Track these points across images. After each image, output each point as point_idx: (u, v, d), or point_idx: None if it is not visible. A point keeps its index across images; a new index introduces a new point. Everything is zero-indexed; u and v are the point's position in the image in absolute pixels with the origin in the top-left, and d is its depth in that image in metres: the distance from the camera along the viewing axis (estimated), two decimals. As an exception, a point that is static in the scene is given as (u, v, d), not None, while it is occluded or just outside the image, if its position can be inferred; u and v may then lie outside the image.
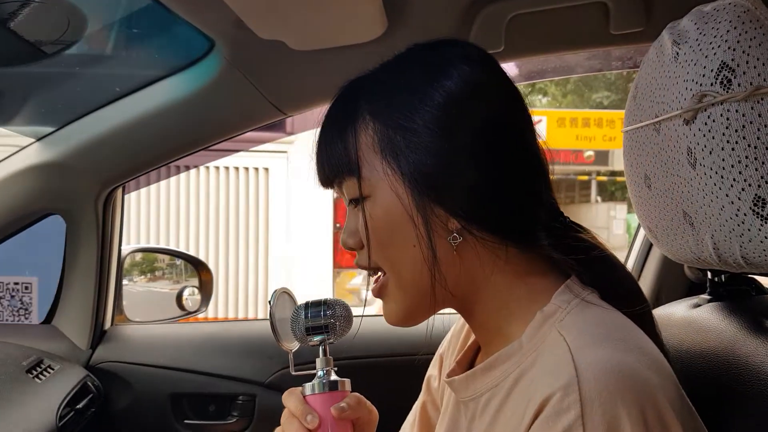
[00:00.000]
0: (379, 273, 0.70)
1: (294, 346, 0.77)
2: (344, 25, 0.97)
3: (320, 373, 0.72)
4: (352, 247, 0.70)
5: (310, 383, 0.72)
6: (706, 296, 0.86)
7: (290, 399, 0.71)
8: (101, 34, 1.10)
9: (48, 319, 1.47)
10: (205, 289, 1.69)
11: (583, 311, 0.62)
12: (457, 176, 0.64)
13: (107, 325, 1.49)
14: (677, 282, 1.30)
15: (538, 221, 0.67)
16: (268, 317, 0.76)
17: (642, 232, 1.47)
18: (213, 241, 5.40)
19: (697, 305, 0.85)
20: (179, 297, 1.70)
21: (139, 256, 1.87)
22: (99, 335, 1.46)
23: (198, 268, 1.72)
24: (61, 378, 1.27)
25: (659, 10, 1.02)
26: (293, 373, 0.76)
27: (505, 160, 0.65)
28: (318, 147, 0.71)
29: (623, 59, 1.36)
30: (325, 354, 0.73)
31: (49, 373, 1.26)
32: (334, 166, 0.68)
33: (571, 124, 10.91)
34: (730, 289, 0.83)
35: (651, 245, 1.42)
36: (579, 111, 12.00)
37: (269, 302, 0.76)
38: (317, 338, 0.73)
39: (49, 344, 1.37)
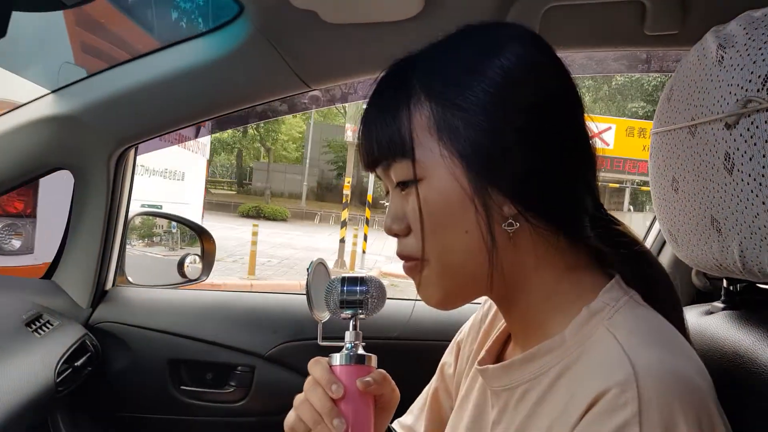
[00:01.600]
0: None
1: (325, 316, 0.77)
2: (381, 0, 0.95)
3: (349, 345, 0.72)
4: (397, 233, 0.68)
5: (338, 354, 0.72)
6: (719, 304, 0.86)
7: (317, 367, 0.71)
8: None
9: (48, 274, 1.46)
10: (208, 257, 1.68)
11: (632, 310, 0.62)
12: (515, 158, 0.62)
13: (109, 285, 1.48)
14: (684, 289, 1.30)
15: (586, 210, 0.66)
16: (305, 286, 0.76)
17: (652, 236, 1.47)
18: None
19: (710, 312, 0.85)
20: (181, 264, 1.69)
21: (138, 221, 1.86)
22: (100, 295, 1.45)
23: (201, 236, 1.71)
24: (60, 334, 1.27)
25: (696, 14, 1.01)
26: (320, 342, 0.76)
27: (561, 142, 0.64)
28: (366, 127, 0.67)
29: (648, 62, 1.35)
30: (355, 328, 0.73)
31: (48, 328, 1.25)
32: (385, 147, 0.65)
33: (639, 134, 10.89)
34: (746, 299, 0.83)
35: (661, 248, 1.43)
36: (648, 122, 12.08)
37: (307, 270, 0.76)
38: (349, 311, 0.73)
39: (48, 300, 1.36)
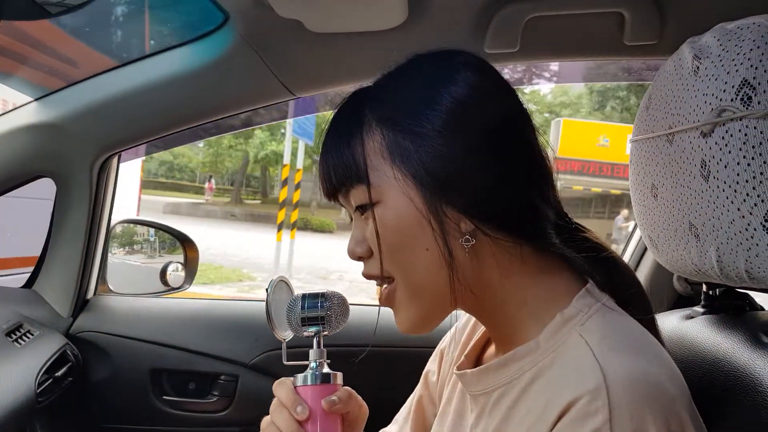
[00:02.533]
0: (385, 284, 0.70)
1: (288, 335, 0.77)
2: (365, 10, 0.96)
3: (313, 364, 0.72)
4: (361, 256, 0.70)
5: (302, 374, 0.71)
6: (699, 309, 0.87)
7: (281, 389, 0.71)
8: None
9: (29, 283, 1.44)
10: (190, 265, 1.67)
11: (604, 316, 0.63)
12: (467, 177, 0.64)
13: (90, 294, 1.47)
14: (665, 293, 1.32)
15: (547, 219, 0.68)
16: (265, 305, 0.75)
17: (633, 242, 1.49)
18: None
19: (690, 317, 0.86)
20: (163, 272, 1.68)
21: (119, 229, 1.85)
22: (81, 304, 1.44)
23: (184, 244, 1.70)
24: (40, 344, 1.25)
25: (674, 25, 1.03)
26: (285, 362, 0.75)
27: (512, 159, 0.66)
28: (324, 156, 0.70)
29: (630, 71, 1.38)
30: (318, 346, 0.73)
31: (28, 338, 1.24)
32: (341, 174, 0.68)
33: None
34: (725, 303, 0.84)
35: (643, 254, 1.45)
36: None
37: (266, 290, 0.76)
38: (312, 329, 0.73)
39: (29, 309, 1.35)
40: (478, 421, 0.69)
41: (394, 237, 0.66)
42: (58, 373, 1.26)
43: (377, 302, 0.72)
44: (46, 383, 1.20)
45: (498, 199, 0.65)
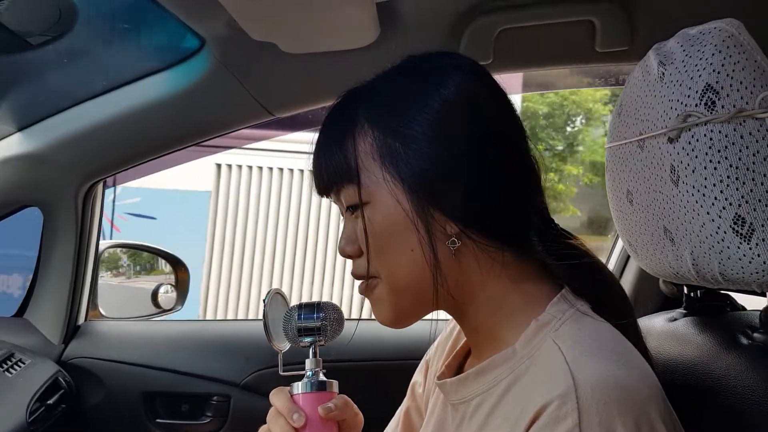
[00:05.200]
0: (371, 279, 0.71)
1: (285, 346, 0.77)
2: (337, 30, 0.98)
3: (309, 373, 0.73)
4: (350, 255, 0.71)
5: (299, 382, 0.72)
6: (681, 310, 0.88)
7: (277, 397, 0.71)
8: (91, 27, 1.09)
9: (20, 312, 1.44)
10: (181, 287, 1.67)
11: (577, 322, 0.64)
12: (455, 181, 0.65)
13: (81, 320, 1.47)
14: (652, 296, 1.33)
15: (531, 226, 0.69)
16: (262, 316, 0.76)
17: (619, 246, 1.49)
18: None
19: (674, 319, 0.87)
20: (154, 294, 1.68)
21: (106, 253, 1.85)
22: (72, 330, 1.44)
23: (175, 266, 1.69)
24: (32, 372, 1.25)
25: (644, 31, 1.05)
26: (282, 373, 0.76)
27: (500, 164, 0.67)
28: (316, 155, 0.71)
29: (606, 77, 1.39)
30: (315, 355, 0.73)
31: (19, 366, 1.23)
32: (332, 173, 0.69)
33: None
34: (706, 305, 0.85)
35: (627, 259, 1.45)
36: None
37: (263, 301, 0.77)
38: (308, 340, 0.73)
39: (20, 338, 1.35)
40: (458, 430, 0.69)
41: (381, 237, 0.67)
42: (51, 401, 1.25)
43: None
44: (39, 411, 1.20)
45: (484, 204, 0.66)
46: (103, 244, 1.52)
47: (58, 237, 1.38)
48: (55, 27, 0.87)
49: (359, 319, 0.74)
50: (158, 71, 1.21)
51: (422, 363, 0.90)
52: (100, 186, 1.42)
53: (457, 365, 0.78)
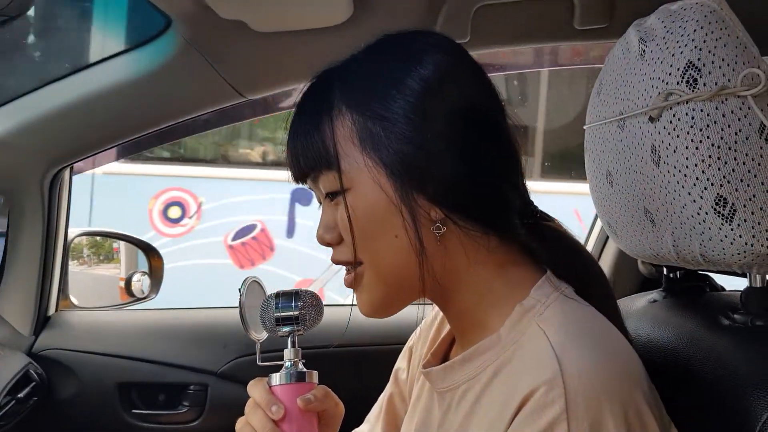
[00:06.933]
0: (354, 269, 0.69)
1: (262, 336, 0.75)
2: (309, 7, 0.95)
3: (287, 364, 0.71)
4: (330, 243, 0.69)
5: (277, 373, 0.70)
6: (661, 291, 0.87)
7: (255, 389, 0.70)
8: (51, 6, 1.05)
9: (-13, 303, 1.40)
10: (155, 274, 1.64)
11: (562, 306, 0.63)
12: (438, 164, 0.63)
13: (51, 310, 1.44)
14: (631, 277, 1.33)
15: (515, 209, 0.67)
16: (238, 305, 0.74)
17: (598, 227, 1.49)
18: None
19: (654, 300, 0.87)
20: (128, 283, 1.64)
21: (78, 241, 1.81)
22: (42, 321, 1.41)
23: (148, 253, 1.66)
24: (1, 365, 1.22)
25: (623, 7, 1.04)
26: (260, 363, 0.74)
27: (482, 146, 0.65)
28: (292, 140, 0.68)
29: (582, 54, 1.37)
30: (293, 345, 0.71)
31: (-12, 360, 1.20)
32: (310, 159, 0.66)
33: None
34: (686, 286, 0.85)
35: (606, 240, 1.45)
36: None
37: (239, 290, 0.74)
38: (286, 329, 0.71)
39: None
40: (445, 417, 0.68)
41: (364, 224, 0.65)
42: (21, 394, 1.23)
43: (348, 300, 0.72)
44: (9, 405, 1.17)
45: (467, 187, 0.64)
46: (72, 231, 1.48)
47: (25, 226, 1.35)
48: (9, 7, 0.83)
49: (352, 305, 0.72)
50: (124, 52, 1.17)
51: (405, 349, 0.89)
52: (68, 172, 1.38)
53: (443, 353, 0.77)
